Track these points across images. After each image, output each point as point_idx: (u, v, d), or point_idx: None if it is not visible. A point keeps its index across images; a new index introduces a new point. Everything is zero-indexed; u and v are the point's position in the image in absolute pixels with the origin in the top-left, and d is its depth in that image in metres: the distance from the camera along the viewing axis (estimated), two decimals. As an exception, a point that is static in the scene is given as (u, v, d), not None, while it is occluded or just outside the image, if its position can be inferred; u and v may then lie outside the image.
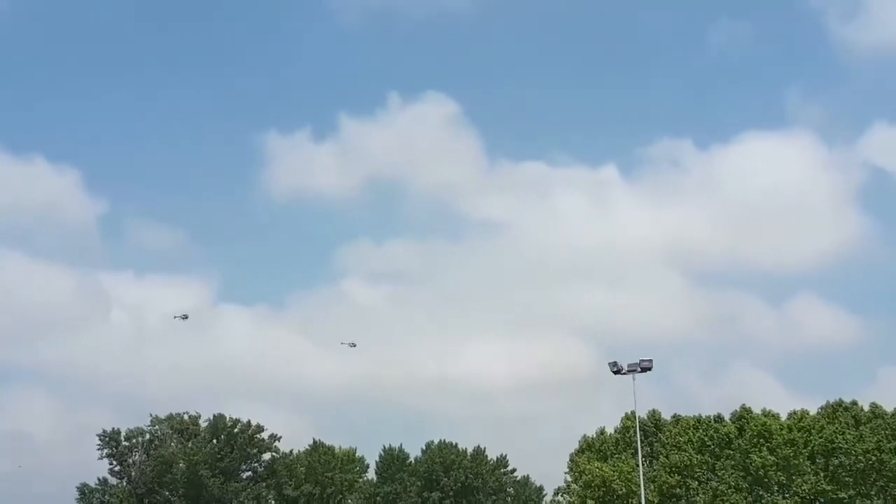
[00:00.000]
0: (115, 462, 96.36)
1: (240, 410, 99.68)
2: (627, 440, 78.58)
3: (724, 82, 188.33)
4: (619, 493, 75.48)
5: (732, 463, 74.79)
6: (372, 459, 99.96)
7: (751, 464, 73.81)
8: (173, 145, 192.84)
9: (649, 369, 59.56)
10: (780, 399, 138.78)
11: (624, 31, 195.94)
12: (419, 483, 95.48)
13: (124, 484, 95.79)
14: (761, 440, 74.69)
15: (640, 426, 72.53)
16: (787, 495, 72.86)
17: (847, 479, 72.53)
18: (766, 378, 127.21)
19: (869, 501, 72.18)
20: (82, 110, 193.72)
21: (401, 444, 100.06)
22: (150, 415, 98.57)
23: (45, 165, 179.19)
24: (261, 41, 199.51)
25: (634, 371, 59.58)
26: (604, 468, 76.84)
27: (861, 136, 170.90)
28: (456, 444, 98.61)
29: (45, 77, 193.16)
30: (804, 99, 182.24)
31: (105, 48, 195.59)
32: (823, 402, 79.34)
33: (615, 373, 60.03)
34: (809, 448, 74.37)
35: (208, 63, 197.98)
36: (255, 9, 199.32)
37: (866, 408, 77.32)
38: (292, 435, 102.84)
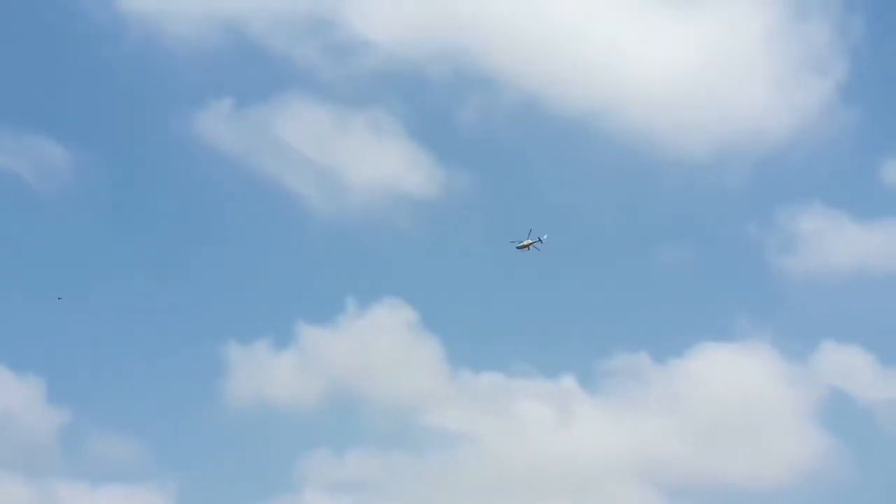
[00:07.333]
0: None
1: None
2: None
3: (672, 300, 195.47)
4: None
5: None
6: None
7: None
8: (137, 356, 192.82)
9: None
10: None
11: (567, 256, 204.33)
12: None
13: None
14: None
15: None
16: None
17: None
18: None
19: None
20: (47, 322, 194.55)
21: None
22: None
23: (8, 375, 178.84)
24: (218, 252, 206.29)
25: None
26: None
27: (813, 355, 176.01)
28: None
29: (11, 290, 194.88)
30: (751, 319, 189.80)
31: (69, 258, 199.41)
32: None
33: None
34: None
35: (169, 276, 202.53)
36: (215, 222, 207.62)
37: None
38: None
